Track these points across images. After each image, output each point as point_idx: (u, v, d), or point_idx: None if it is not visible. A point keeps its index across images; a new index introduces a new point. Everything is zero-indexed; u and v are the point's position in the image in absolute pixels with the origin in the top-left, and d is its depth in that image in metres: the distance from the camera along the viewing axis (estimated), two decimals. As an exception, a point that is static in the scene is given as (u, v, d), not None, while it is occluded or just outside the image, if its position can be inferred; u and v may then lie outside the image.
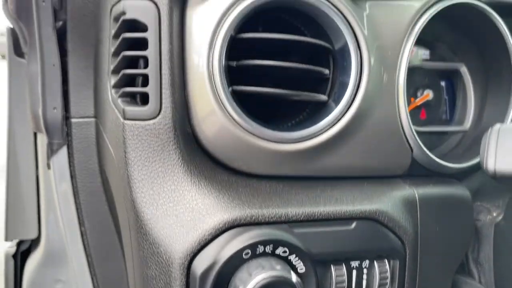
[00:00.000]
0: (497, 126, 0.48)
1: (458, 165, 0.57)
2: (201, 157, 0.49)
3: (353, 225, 0.48)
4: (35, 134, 0.64)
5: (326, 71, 0.50)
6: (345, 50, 0.49)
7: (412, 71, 0.61)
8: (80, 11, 0.54)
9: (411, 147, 0.54)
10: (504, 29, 0.58)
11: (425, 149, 0.55)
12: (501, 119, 0.61)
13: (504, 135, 0.47)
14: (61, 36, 0.55)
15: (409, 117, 0.53)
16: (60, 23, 0.55)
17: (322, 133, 0.49)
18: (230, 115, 0.46)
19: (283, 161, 0.50)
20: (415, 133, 0.54)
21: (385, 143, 0.53)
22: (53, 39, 0.54)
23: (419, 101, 0.62)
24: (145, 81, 0.46)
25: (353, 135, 0.51)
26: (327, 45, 0.49)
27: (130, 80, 0.48)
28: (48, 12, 0.54)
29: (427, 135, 0.62)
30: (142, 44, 0.46)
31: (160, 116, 0.46)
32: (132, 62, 0.47)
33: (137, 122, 0.47)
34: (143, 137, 0.47)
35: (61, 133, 0.56)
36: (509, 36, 0.58)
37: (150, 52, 0.46)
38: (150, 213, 0.46)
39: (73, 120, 0.56)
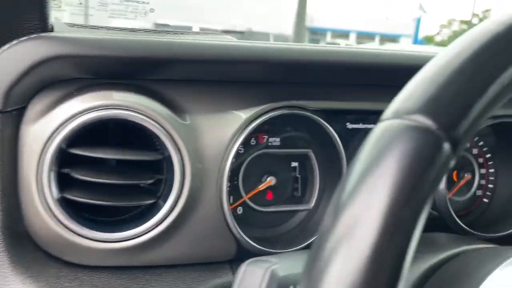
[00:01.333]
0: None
1: (281, 250, 0.64)
2: (33, 253, 0.54)
3: None
4: None
5: (149, 181, 0.57)
6: (170, 158, 0.55)
7: (260, 157, 0.68)
8: None
9: (236, 238, 0.61)
10: (331, 131, 0.66)
11: (249, 241, 0.61)
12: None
13: None
14: None
15: (232, 216, 0.60)
16: None
17: (148, 231, 0.56)
18: (58, 220, 0.52)
19: (111, 256, 0.56)
20: (237, 227, 0.61)
21: (211, 235, 0.61)
22: None
23: (262, 187, 0.69)
24: None
25: (179, 230, 0.58)
26: (149, 158, 0.56)
27: None
28: None
29: (272, 214, 0.70)
30: None
31: None
32: None
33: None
34: None
35: None
36: (336, 135, 0.66)
37: None
38: None
39: None
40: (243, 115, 0.61)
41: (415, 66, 0.31)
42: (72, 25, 0.61)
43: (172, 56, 0.55)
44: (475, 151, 0.82)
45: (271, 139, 0.69)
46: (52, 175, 0.52)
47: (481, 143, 0.82)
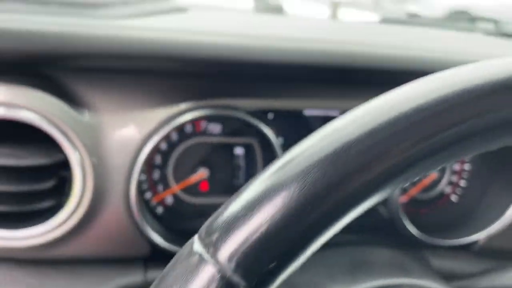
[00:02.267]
0: None
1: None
2: None
3: None
4: None
5: (48, 184, 0.52)
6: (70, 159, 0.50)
7: (197, 146, 0.62)
8: None
9: (146, 236, 0.57)
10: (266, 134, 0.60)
11: (161, 240, 0.58)
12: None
13: None
14: None
15: (141, 214, 0.56)
16: None
17: (53, 230, 0.52)
18: None
19: (17, 252, 0.54)
20: (147, 227, 0.56)
21: (120, 233, 0.57)
22: None
23: (193, 179, 0.64)
24: None
25: (87, 228, 0.55)
26: (45, 162, 0.50)
27: None
28: None
29: (208, 206, 0.65)
30: None
31: None
32: None
33: None
34: None
35: None
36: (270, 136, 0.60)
37: None
38: None
39: None
40: (158, 113, 0.54)
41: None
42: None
43: (66, 50, 0.48)
44: None
45: (210, 127, 0.63)
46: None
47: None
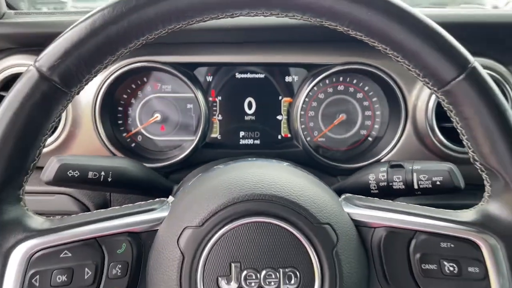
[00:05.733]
0: None
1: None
2: None
3: None
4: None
5: None
6: None
7: (155, 99, 0.92)
8: None
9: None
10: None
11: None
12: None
13: None
14: None
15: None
16: None
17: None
18: None
19: None
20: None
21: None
22: None
23: (151, 120, 0.94)
24: None
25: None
26: None
27: None
28: None
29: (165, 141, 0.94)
30: None
31: None
32: None
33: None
34: None
35: None
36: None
37: None
38: None
39: None
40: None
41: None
42: (19, 12, 0.92)
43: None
44: (359, 95, 0.92)
45: (164, 86, 0.93)
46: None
47: (366, 88, 0.92)
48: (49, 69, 0.47)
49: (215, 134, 0.94)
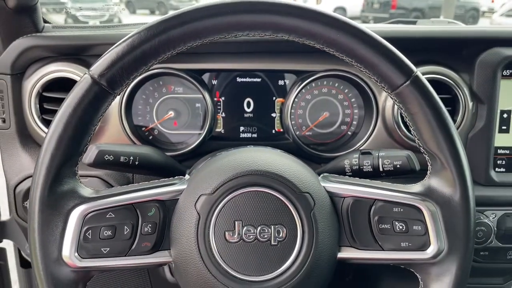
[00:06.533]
0: None
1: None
2: None
3: None
4: None
5: None
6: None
7: (167, 101, 1.10)
8: None
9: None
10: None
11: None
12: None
13: None
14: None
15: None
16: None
17: None
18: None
19: None
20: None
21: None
22: None
23: (165, 117, 1.11)
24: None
25: (99, 140, 1.06)
26: None
27: None
28: None
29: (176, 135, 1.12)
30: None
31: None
32: None
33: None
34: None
35: None
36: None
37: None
38: None
39: None
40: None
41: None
42: (56, 26, 1.09)
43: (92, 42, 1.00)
44: (340, 96, 1.10)
45: (177, 88, 1.10)
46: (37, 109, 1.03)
47: (346, 90, 1.10)
48: (99, 76, 0.61)
49: (219, 128, 1.11)
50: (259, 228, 0.67)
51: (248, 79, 1.10)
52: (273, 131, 1.12)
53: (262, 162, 0.71)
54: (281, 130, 1.11)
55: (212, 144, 1.09)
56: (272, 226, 0.67)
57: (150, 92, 1.10)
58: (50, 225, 0.64)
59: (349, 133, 1.12)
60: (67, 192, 0.66)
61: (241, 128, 1.12)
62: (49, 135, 0.63)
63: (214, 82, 1.10)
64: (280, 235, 0.67)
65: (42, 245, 0.64)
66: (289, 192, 0.69)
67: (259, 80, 1.10)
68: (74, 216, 0.65)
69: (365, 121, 1.08)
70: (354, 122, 1.11)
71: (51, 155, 0.63)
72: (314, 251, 0.67)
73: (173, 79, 1.09)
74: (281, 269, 0.67)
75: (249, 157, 0.73)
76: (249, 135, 1.12)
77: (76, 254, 0.65)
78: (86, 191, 0.68)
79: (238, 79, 1.10)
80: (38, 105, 1.03)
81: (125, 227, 0.68)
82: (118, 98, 1.02)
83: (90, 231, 0.66)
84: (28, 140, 1.05)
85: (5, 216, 1.19)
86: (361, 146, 1.06)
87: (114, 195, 0.69)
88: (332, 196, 0.73)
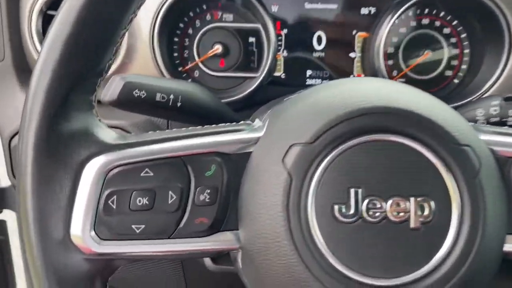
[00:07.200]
0: None
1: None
2: None
3: None
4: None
5: None
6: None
7: (214, 30, 0.82)
8: None
9: None
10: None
11: None
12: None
13: None
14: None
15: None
16: None
17: None
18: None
19: None
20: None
21: None
22: None
23: (210, 53, 0.83)
24: None
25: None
26: None
27: None
28: None
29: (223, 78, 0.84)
30: None
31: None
32: None
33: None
34: None
35: None
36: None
37: None
38: None
39: None
40: None
41: None
42: None
43: None
44: (446, 30, 0.81)
45: (225, 15, 0.82)
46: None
47: (455, 22, 0.81)
48: None
49: (279, 72, 0.85)
50: (390, 201, 0.40)
51: (320, 5, 0.82)
52: (352, 77, 0.84)
53: (388, 95, 0.44)
54: (362, 75, 0.83)
55: (270, 90, 0.82)
56: (412, 199, 0.40)
57: (189, 20, 0.82)
58: (51, 185, 0.40)
59: (456, 80, 0.83)
60: (79, 134, 0.41)
61: (308, 72, 0.85)
62: (51, 38, 0.38)
63: (274, 8, 0.82)
64: (425, 212, 0.40)
65: (38, 219, 0.40)
66: (438, 144, 0.41)
67: (334, 6, 0.82)
68: (90, 173, 0.41)
69: (487, 59, 0.79)
70: (463, 66, 0.82)
71: (52, 72, 0.38)
72: (481, 241, 0.40)
73: (220, 2, 0.82)
74: (426, 267, 0.40)
75: (364, 87, 0.45)
76: (318, 81, 0.85)
77: (93, 233, 0.41)
78: (108, 135, 0.43)
79: (307, 5, 0.82)
80: (41, 28, 0.77)
81: (170, 192, 0.42)
82: (148, 22, 0.76)
83: (114, 197, 0.41)
84: (28, 76, 0.79)
85: (6, 182, 0.95)
86: (482, 95, 0.77)
87: (152, 142, 0.43)
88: (495, 154, 0.45)
